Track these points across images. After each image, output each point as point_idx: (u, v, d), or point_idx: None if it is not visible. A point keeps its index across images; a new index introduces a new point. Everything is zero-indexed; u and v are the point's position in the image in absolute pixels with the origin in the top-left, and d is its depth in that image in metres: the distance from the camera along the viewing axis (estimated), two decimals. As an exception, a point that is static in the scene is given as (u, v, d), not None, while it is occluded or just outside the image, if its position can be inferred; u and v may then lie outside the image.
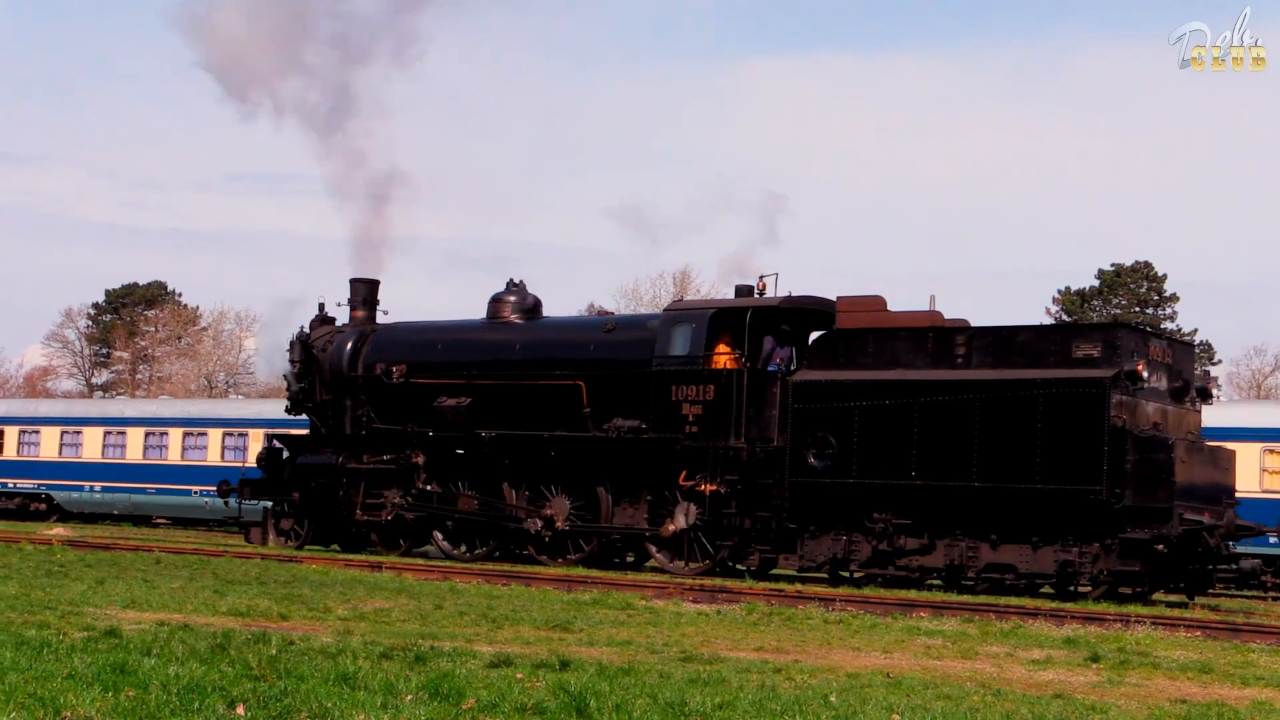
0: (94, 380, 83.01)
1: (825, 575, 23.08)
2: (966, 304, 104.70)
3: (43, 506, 44.65)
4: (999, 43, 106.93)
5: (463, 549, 27.08)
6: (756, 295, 24.52)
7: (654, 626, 14.74)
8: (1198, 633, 16.18)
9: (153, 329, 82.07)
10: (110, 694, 8.44)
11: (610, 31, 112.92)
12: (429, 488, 26.98)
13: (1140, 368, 20.75)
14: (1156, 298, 66.83)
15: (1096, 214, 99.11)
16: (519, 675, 10.03)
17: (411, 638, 12.22)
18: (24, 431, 45.84)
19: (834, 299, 23.71)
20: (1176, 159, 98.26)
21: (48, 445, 45.10)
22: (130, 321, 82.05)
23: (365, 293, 29.77)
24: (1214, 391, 22.39)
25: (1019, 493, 20.99)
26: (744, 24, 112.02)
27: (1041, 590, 21.40)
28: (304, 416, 29.88)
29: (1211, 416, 27.49)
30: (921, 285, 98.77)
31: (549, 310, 27.91)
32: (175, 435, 42.53)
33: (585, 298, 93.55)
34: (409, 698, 8.85)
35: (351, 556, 25.58)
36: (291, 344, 29.65)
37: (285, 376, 30.05)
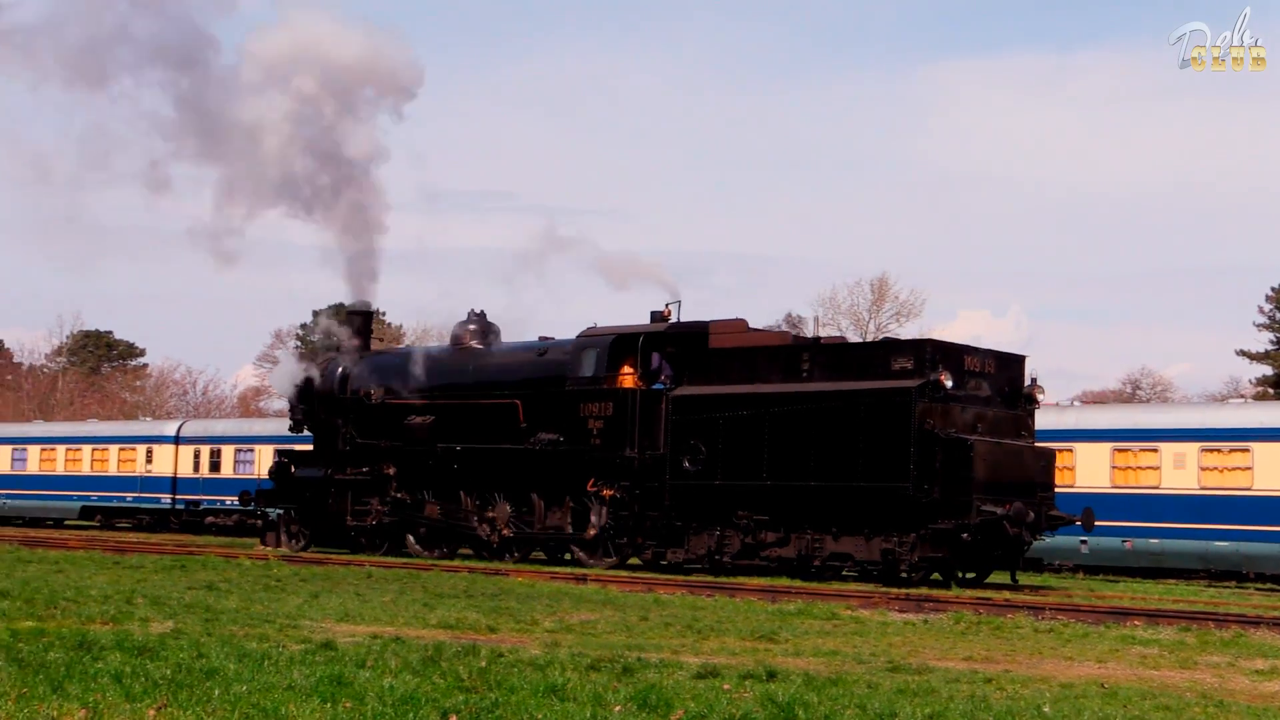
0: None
1: (705, 565, 25.39)
2: (1170, 305, 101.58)
3: (259, 523, 45.95)
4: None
5: (433, 551, 29.65)
6: (663, 321, 27.28)
7: (860, 636, 14.62)
8: None
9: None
10: (328, 705, 8.68)
11: (790, 40, 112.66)
12: (399, 496, 30.17)
13: (944, 378, 22.91)
14: (1377, 291, 63.85)
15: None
16: (726, 686, 10.03)
17: (618, 649, 12.31)
18: (239, 450, 47.43)
19: (708, 323, 26.73)
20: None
21: (262, 463, 46.46)
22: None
23: (360, 323, 33.36)
24: (1039, 397, 25.17)
25: (847, 490, 23.57)
26: (930, 27, 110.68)
27: (872, 577, 23.43)
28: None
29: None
30: (1123, 286, 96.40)
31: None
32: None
33: (783, 307, 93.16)
34: (617, 709, 8.91)
35: (546, 569, 25.99)
36: (295, 370, 33.21)
37: (290, 400, 33.49)
